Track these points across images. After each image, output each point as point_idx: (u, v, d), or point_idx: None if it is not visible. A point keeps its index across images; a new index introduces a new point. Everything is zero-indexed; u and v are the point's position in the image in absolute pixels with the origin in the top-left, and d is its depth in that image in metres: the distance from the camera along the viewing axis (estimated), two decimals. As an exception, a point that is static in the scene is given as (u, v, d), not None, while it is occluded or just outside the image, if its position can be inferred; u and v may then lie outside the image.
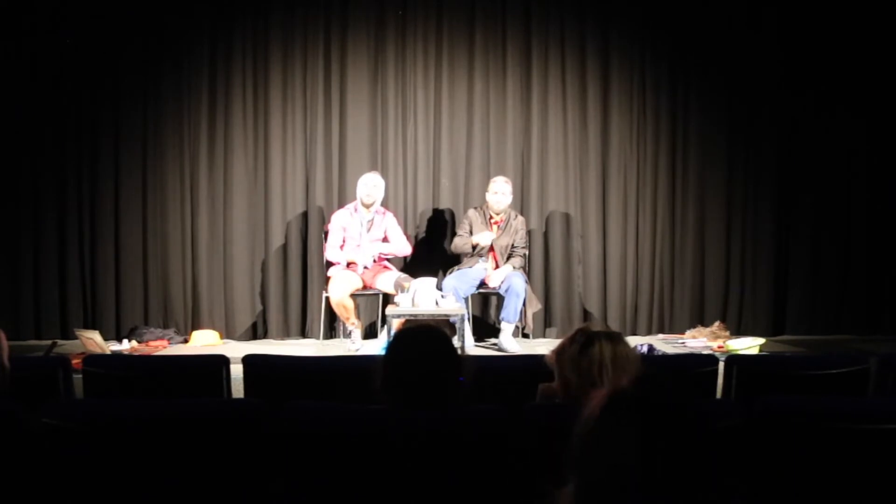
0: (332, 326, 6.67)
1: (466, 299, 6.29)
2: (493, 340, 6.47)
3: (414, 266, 6.69)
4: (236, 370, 3.46)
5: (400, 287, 5.90)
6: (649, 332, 6.96)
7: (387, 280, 6.19)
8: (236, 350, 5.29)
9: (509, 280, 6.22)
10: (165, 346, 6.36)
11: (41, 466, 2.35)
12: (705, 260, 7.09)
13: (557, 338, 6.32)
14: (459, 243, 6.47)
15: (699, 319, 6.98)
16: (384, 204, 6.53)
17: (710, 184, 7.07)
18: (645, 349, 5.72)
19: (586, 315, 6.99)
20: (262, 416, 2.41)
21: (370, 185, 6.31)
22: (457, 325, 5.50)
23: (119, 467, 2.35)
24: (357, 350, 6.06)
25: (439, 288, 5.94)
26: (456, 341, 4.81)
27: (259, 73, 6.84)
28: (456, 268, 6.46)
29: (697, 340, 6.53)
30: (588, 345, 2.40)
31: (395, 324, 5.40)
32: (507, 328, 6.23)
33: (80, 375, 3.46)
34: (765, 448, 2.45)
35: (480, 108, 6.97)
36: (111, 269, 6.76)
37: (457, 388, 2.35)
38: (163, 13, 6.73)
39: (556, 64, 6.96)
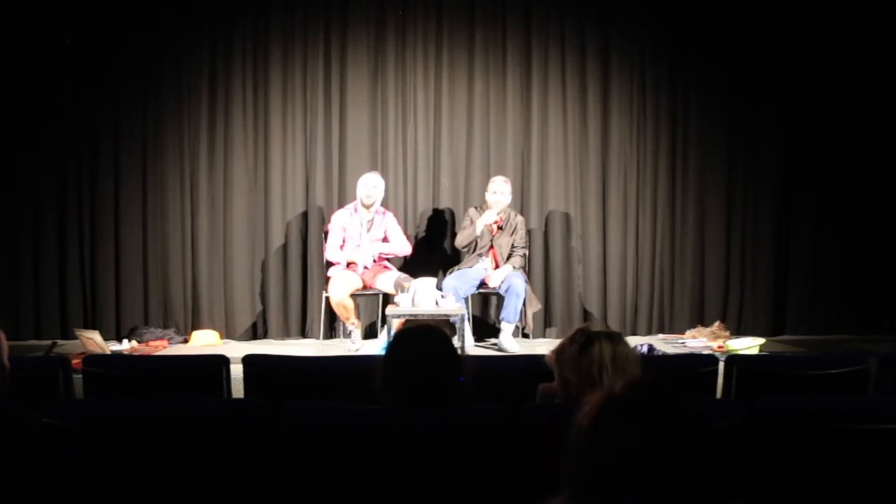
0: (332, 326, 6.67)
1: (466, 299, 6.28)
2: (493, 340, 6.47)
3: (414, 266, 6.68)
4: (236, 370, 3.46)
5: (400, 287, 5.90)
6: (649, 332, 6.96)
7: (387, 280, 6.19)
8: (236, 350, 5.29)
9: (509, 280, 6.22)
10: (165, 346, 6.36)
11: (41, 466, 2.35)
12: (705, 260, 7.08)
13: (557, 338, 6.32)
14: (464, 234, 6.44)
15: (699, 319, 6.98)
16: (384, 204, 6.53)
17: (710, 184, 7.07)
18: (645, 349, 5.72)
19: (586, 315, 6.99)
20: (262, 416, 2.41)
21: (370, 185, 6.32)
22: (457, 325, 5.50)
23: (119, 467, 2.35)
24: (357, 350, 6.06)
25: (439, 288, 5.94)
26: (456, 341, 4.81)
27: (259, 73, 6.84)
28: (456, 268, 6.46)
29: (697, 340, 6.53)
30: (588, 345, 2.40)
31: (395, 324, 5.40)
32: (507, 328, 6.23)
33: (80, 375, 3.46)
34: (765, 448, 2.45)
35: (480, 108, 6.97)
36: (111, 269, 6.76)
37: (457, 388, 2.35)
38: (163, 13, 6.73)
39: (556, 64, 6.96)
